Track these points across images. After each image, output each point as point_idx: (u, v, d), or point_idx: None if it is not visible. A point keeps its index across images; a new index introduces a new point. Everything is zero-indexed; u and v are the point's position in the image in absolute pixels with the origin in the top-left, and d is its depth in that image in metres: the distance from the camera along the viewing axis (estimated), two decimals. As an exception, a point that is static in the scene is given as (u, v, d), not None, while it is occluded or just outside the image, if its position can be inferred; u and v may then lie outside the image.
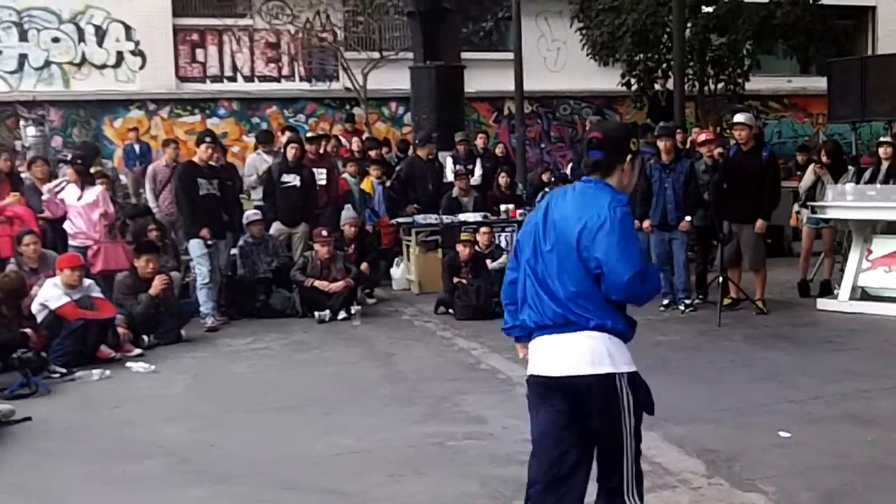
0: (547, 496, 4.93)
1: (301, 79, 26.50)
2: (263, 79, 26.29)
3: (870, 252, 13.21)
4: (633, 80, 23.87)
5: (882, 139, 15.04)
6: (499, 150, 19.36)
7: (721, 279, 12.94)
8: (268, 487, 6.77)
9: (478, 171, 17.68)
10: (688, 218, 13.10)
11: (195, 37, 25.66)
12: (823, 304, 13.34)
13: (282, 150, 15.52)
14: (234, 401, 9.33)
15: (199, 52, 25.78)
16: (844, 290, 13.21)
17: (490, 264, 13.85)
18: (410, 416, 8.52)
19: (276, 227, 14.80)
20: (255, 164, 16.11)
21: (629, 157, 4.93)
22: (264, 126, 23.75)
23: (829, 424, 7.95)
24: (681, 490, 6.49)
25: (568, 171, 20.67)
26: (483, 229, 14.48)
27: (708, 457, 7.11)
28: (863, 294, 13.21)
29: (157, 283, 12.10)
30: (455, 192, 16.39)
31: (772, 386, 9.28)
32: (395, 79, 23.60)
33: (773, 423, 7.90)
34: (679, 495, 6.40)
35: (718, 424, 7.99)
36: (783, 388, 9.18)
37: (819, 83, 27.64)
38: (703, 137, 14.26)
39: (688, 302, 13.27)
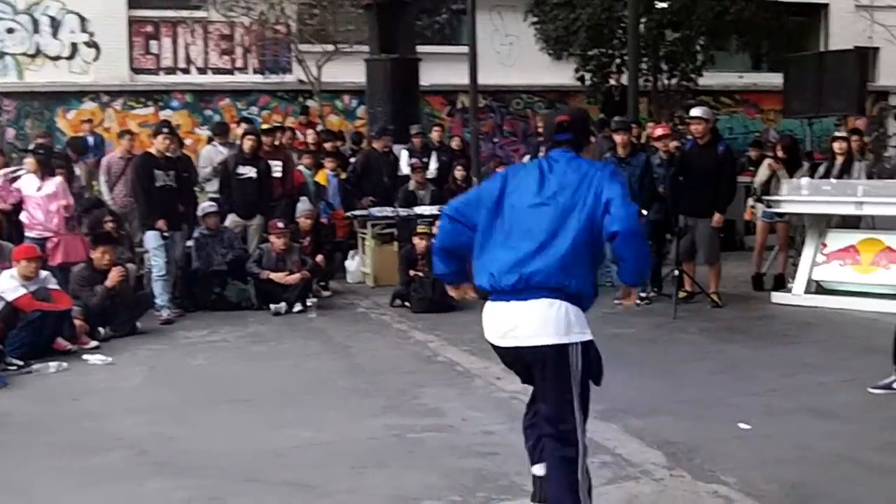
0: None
1: (254, 71, 26.25)
2: (217, 71, 26.04)
3: (824, 246, 13.34)
4: (586, 75, 23.89)
5: (837, 134, 15.20)
6: (455, 144, 19.32)
7: (676, 273, 12.99)
8: (228, 480, 6.71)
9: (433, 164, 17.63)
10: (644, 212, 13.12)
11: (150, 29, 25.41)
12: (778, 297, 13.45)
13: (237, 142, 15.41)
14: (192, 393, 9.28)
15: (154, 44, 25.52)
16: (799, 284, 13.32)
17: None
18: (369, 408, 8.47)
19: (231, 220, 14.70)
20: (210, 155, 16.02)
21: (592, 138, 5.49)
22: (217, 118, 23.58)
23: (788, 417, 8.00)
24: (643, 481, 6.49)
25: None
26: (439, 222, 14.45)
27: (669, 448, 7.12)
28: (817, 288, 13.32)
29: (114, 275, 11.98)
30: (411, 185, 16.36)
31: (729, 378, 9.33)
32: (349, 72, 23.44)
33: (732, 416, 7.93)
34: (642, 486, 6.40)
35: (678, 416, 8.01)
36: (741, 380, 9.23)
37: (770, 79, 27.84)
38: (658, 132, 14.32)
39: (643, 295, 13.28)
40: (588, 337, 5.22)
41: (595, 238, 5.13)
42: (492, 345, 5.42)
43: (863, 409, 8.14)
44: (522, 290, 5.13)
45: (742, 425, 7.69)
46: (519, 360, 5.36)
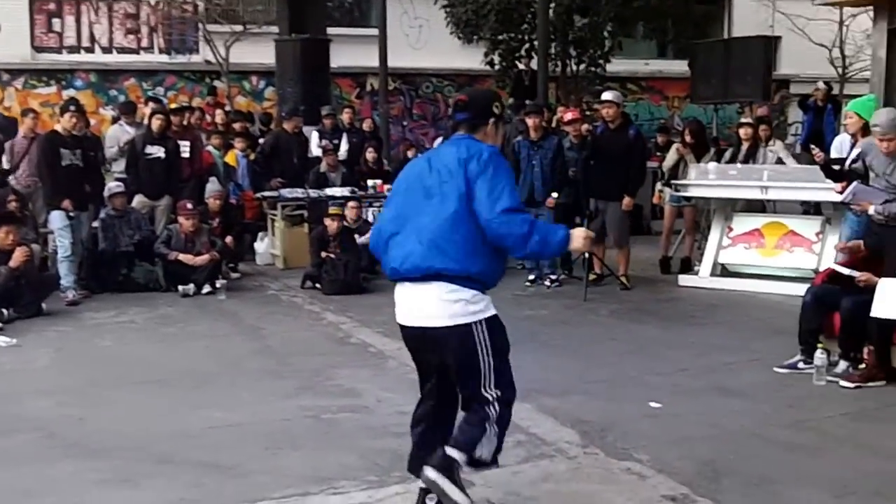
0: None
1: (161, 51, 26.02)
2: (122, 50, 25.76)
3: (730, 230, 13.54)
4: (496, 59, 23.96)
5: (743, 121, 15.42)
6: (366, 126, 19.30)
7: (586, 255, 13.10)
8: (141, 461, 6.65)
9: (344, 145, 17.59)
10: (554, 195, 13.23)
11: (52, 6, 25.05)
12: (684, 280, 13.64)
13: (145, 122, 15.24)
14: (101, 375, 9.15)
15: (56, 22, 25.17)
16: (705, 267, 13.52)
17: (358, 239, 13.81)
18: (283, 389, 8.45)
19: (138, 200, 14.50)
20: (116, 135, 15.77)
21: (492, 120, 5.47)
22: (122, 98, 23.32)
23: (697, 395, 8.14)
24: (558, 459, 6.57)
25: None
26: (351, 204, 14.42)
27: (582, 427, 7.20)
28: (723, 270, 13.53)
29: (18, 255, 11.76)
30: (322, 167, 16.29)
31: (640, 359, 9.46)
32: (257, 53, 23.35)
33: (643, 395, 8.05)
34: (556, 464, 6.47)
35: (590, 396, 8.11)
36: (651, 360, 9.37)
37: (675, 66, 28.18)
38: (569, 116, 14.41)
39: (553, 277, 13.44)
40: (490, 313, 5.38)
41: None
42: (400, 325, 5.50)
43: (770, 388, 8.32)
44: (420, 275, 5.26)
45: (653, 404, 7.82)
46: (424, 341, 5.43)
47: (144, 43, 25.91)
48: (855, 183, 9.55)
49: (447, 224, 5.20)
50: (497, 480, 6.11)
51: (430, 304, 5.28)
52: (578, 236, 5.33)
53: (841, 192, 10.27)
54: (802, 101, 20.06)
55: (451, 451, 5.30)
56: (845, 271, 8.67)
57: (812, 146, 11.00)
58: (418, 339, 5.45)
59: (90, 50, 25.51)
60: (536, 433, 7.10)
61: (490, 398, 5.33)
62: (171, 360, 9.75)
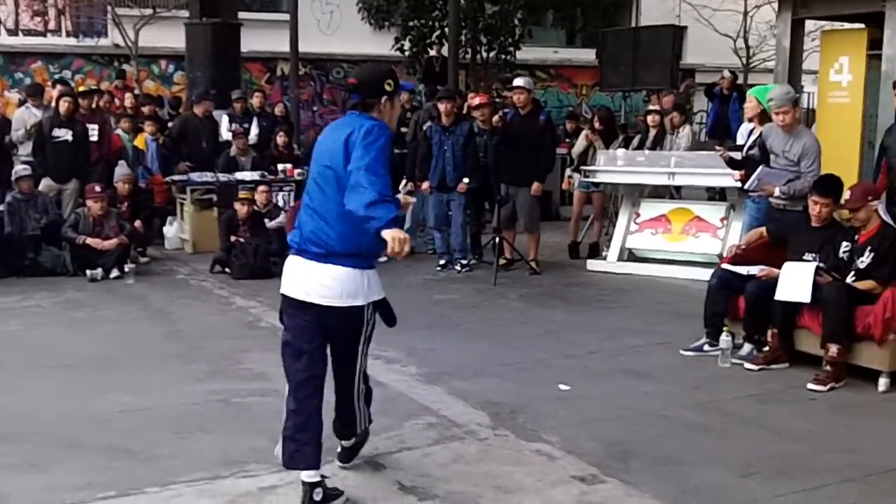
0: (301, 389, 5.70)
1: (68, 34, 25.67)
2: (28, 33, 25.40)
3: (638, 215, 13.68)
4: (406, 45, 23.95)
5: (650, 108, 15.58)
6: (278, 110, 19.20)
7: (497, 240, 13.18)
8: (51, 445, 6.59)
9: (254, 129, 17.46)
10: (465, 180, 13.28)
11: (-45, -12, 24.67)
12: (593, 265, 13.75)
13: (52, 105, 15.05)
14: (8, 359, 9.01)
15: (-40, 5, 24.78)
16: (613, 252, 13.66)
17: (268, 223, 13.75)
18: (192, 373, 8.41)
19: (45, 184, 14.27)
20: (23, 117, 15.50)
21: (384, 97, 5.53)
22: (29, 81, 22.95)
23: (606, 378, 8.25)
24: (468, 441, 6.63)
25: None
26: (261, 188, 14.32)
27: (492, 409, 7.27)
28: (630, 255, 13.68)
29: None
30: (233, 151, 16.18)
31: (549, 342, 9.54)
32: (166, 36, 23.15)
33: (553, 377, 8.14)
34: (467, 446, 6.53)
35: (501, 379, 8.18)
36: (560, 344, 9.45)
37: (584, 55, 28.46)
38: (476, 101, 14.42)
39: (464, 262, 13.49)
40: (380, 296, 5.65)
41: None
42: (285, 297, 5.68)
43: (676, 371, 8.46)
44: (315, 252, 5.46)
45: (563, 386, 7.91)
46: (313, 317, 5.57)
47: (52, 26, 25.54)
48: (760, 167, 9.73)
49: (336, 207, 5.35)
50: (407, 463, 6.21)
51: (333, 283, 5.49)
52: (393, 237, 5.17)
53: (741, 180, 10.47)
54: (708, 89, 20.28)
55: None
56: (741, 270, 8.79)
57: (717, 145, 11.14)
58: None
59: (-5, 32, 25.14)
60: (447, 416, 7.17)
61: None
62: (80, 344, 9.64)
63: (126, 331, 10.23)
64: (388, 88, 5.56)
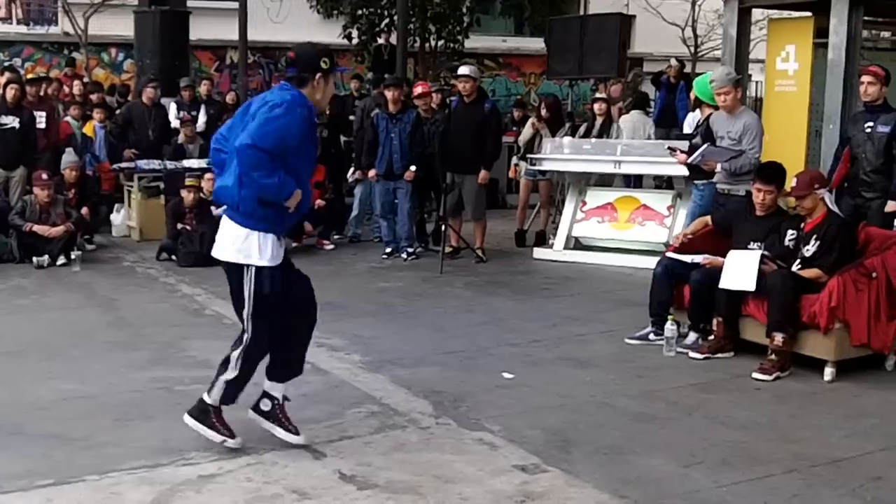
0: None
1: (18, 21, 25.46)
2: None
3: (584, 203, 13.68)
4: (354, 34, 23.89)
5: (597, 96, 15.58)
6: (230, 98, 19.01)
7: (443, 228, 13.14)
8: (-12, 433, 6.52)
9: (202, 117, 17.36)
10: (412, 168, 13.24)
11: None
12: (539, 253, 13.75)
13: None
14: (-50, 346, 8.92)
15: None
16: (559, 240, 13.66)
17: (215, 211, 13.62)
18: (135, 361, 8.32)
19: (-1, 170, 14.23)
20: (-30, 105, 15.38)
21: (318, 74, 5.86)
22: (-21, 69, 22.76)
23: (549, 366, 8.22)
24: (410, 430, 6.58)
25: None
26: (208, 175, 14.14)
27: (435, 398, 7.23)
28: (576, 244, 13.69)
29: None
30: (180, 138, 16.08)
31: (493, 330, 9.51)
32: (116, 24, 22.98)
33: (496, 366, 8.12)
34: (409, 434, 6.49)
35: (444, 367, 8.15)
36: (504, 332, 9.42)
37: (532, 43, 28.47)
38: (419, 90, 14.37)
39: (410, 250, 13.45)
40: (262, 263, 5.94)
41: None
42: None
43: (620, 359, 8.44)
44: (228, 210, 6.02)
45: (506, 375, 7.89)
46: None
47: (2, 13, 25.31)
48: (705, 145, 9.76)
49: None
50: (348, 451, 6.16)
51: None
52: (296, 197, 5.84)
53: (686, 164, 10.47)
54: (655, 77, 20.34)
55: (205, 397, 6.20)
56: (686, 258, 8.79)
57: (671, 148, 11.11)
58: None
59: (-55, 19, 24.93)
60: (389, 404, 7.12)
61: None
62: (23, 331, 9.54)
63: (70, 318, 10.14)
64: (323, 66, 5.87)
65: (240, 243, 5.90)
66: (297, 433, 6.18)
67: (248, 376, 6.19)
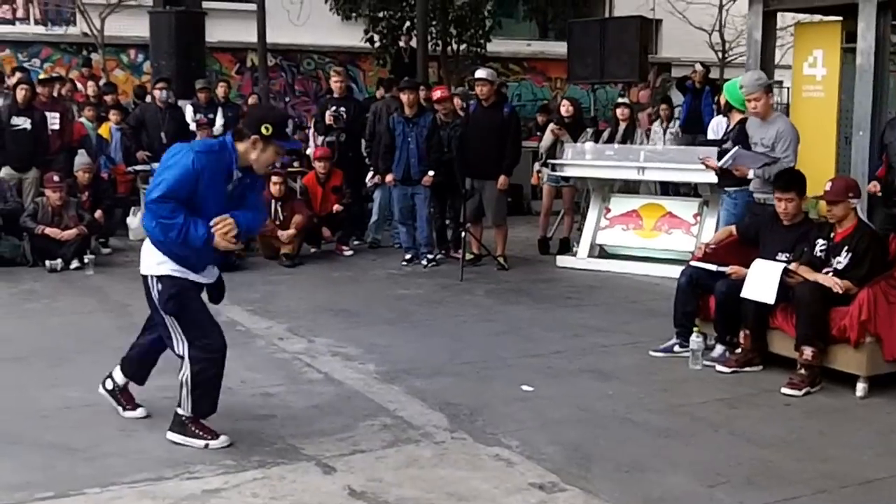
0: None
1: (36, 22, 25.44)
2: None
3: (608, 210, 13.45)
4: (376, 37, 23.76)
5: (620, 101, 15.35)
6: (252, 101, 18.83)
7: (463, 235, 12.92)
8: (-10, 441, 6.33)
9: (219, 120, 17.18)
10: (430, 173, 13.05)
11: (-78, -26, 24.42)
12: (563, 261, 13.51)
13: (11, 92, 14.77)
14: (-43, 352, 8.75)
15: (-73, -8, 24.54)
16: (583, 248, 13.42)
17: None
18: (144, 368, 8.14)
19: (5, 172, 14.11)
20: (-18, 105, 15.27)
21: (256, 136, 6.02)
22: (-3, 70, 22.73)
23: (570, 378, 7.97)
24: (424, 444, 6.34)
25: (311, 126, 20.34)
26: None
27: (450, 410, 7.00)
28: (601, 252, 13.45)
29: None
30: (196, 141, 15.90)
31: (513, 340, 9.26)
32: (134, 25, 22.89)
33: (515, 378, 7.87)
34: (422, 449, 6.24)
35: (461, 378, 7.91)
36: (525, 342, 9.17)
37: (557, 47, 28.20)
38: (437, 95, 14.17)
39: (430, 257, 13.24)
40: (161, 272, 6.20)
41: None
42: None
43: (644, 372, 8.17)
44: None
45: (525, 387, 7.63)
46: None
47: (20, 14, 25.30)
48: (736, 148, 9.47)
49: None
50: (360, 466, 5.93)
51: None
52: (220, 236, 6.05)
53: (717, 170, 10.21)
54: (680, 82, 20.07)
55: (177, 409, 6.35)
56: (711, 267, 8.52)
57: (706, 162, 10.83)
58: None
59: (-37, 20, 24.92)
60: (403, 416, 6.89)
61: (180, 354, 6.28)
62: (32, 337, 9.38)
63: (81, 323, 10.00)
64: (263, 132, 6.01)
65: (144, 258, 6.31)
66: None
67: (212, 383, 6.41)
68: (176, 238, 5.96)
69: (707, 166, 10.62)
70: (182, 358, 6.22)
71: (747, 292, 7.97)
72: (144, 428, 6.64)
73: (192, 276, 6.25)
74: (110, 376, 6.93)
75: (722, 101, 10.91)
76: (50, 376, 7.94)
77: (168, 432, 6.28)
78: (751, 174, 9.33)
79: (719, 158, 9.94)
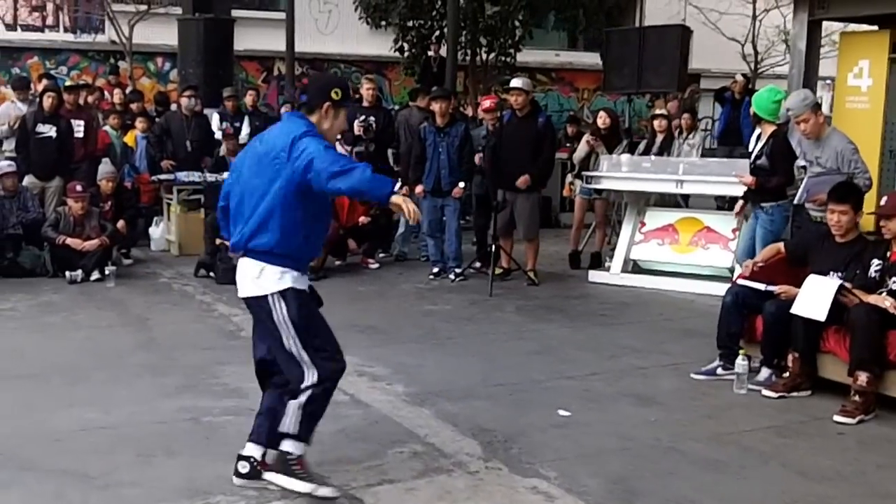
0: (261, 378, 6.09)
1: (65, 29, 25.43)
2: (26, 28, 25.22)
3: (643, 224, 13.10)
4: (405, 46, 23.56)
5: (657, 112, 15.04)
6: (285, 110, 18.51)
7: (492, 248, 12.57)
8: (0, 468, 6.02)
9: (245, 129, 16.96)
10: (461, 184, 12.72)
11: (-46, -17, 24.42)
12: (595, 276, 13.15)
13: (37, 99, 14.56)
14: (-31, 369, 8.46)
15: (-42, 0, 24.53)
16: (616, 263, 13.06)
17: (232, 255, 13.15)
18: (164, 387, 7.83)
19: (28, 180, 13.89)
20: (8, 112, 14.99)
21: (327, 103, 5.64)
22: (26, 77, 22.63)
23: (609, 403, 7.60)
24: (457, 475, 5.98)
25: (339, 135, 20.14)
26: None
27: (484, 437, 6.64)
28: (634, 267, 13.09)
29: None
30: (222, 151, 15.67)
31: (547, 361, 8.91)
32: (162, 33, 22.79)
33: (551, 401, 7.52)
34: (455, 480, 5.89)
35: (494, 401, 7.56)
36: (559, 363, 8.82)
37: (585, 58, 28.09)
38: (487, 104, 13.84)
39: (458, 271, 12.91)
40: (284, 286, 5.58)
41: (295, 199, 5.50)
42: None
43: (686, 396, 7.81)
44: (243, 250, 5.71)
45: (562, 412, 7.27)
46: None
47: (49, 21, 25.31)
48: (806, 178, 9.08)
49: (263, 203, 5.52)
50: (388, 498, 5.62)
51: (243, 277, 5.73)
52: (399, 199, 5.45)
53: (751, 185, 9.83)
54: (719, 93, 19.70)
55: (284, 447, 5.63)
56: (759, 286, 8.14)
57: (741, 179, 10.48)
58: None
59: (-6, 27, 24.97)
60: (434, 443, 6.54)
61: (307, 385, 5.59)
62: (49, 352, 9.09)
63: (99, 338, 9.69)
64: (334, 96, 5.67)
65: (253, 277, 5.67)
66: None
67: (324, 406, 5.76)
68: (373, 181, 5.34)
69: (743, 183, 10.25)
70: (304, 386, 5.57)
71: (799, 308, 7.59)
72: (163, 453, 6.33)
73: (303, 285, 5.73)
74: (243, 459, 5.79)
75: (751, 113, 10.52)
76: (65, 395, 7.64)
77: (266, 473, 5.64)
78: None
79: (752, 173, 9.57)
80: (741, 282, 8.38)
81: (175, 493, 5.64)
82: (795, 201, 9.45)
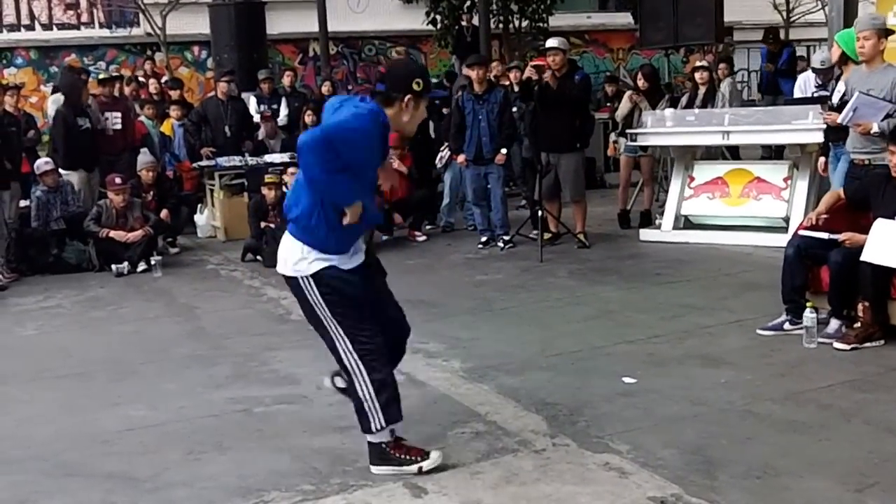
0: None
1: (101, 25, 25.60)
2: (62, 26, 25.51)
3: (692, 179, 12.76)
4: (438, 18, 23.43)
5: (698, 64, 14.69)
6: (325, 89, 18.24)
7: (540, 213, 12.27)
8: (46, 475, 5.79)
9: (283, 110, 16.90)
10: (503, 150, 12.44)
11: (-10, -15, 24.64)
12: (646, 234, 12.87)
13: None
14: (16, 368, 8.31)
15: (-5, 1, 24.81)
16: (668, 220, 12.74)
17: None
18: (213, 378, 7.60)
19: (77, 176, 13.95)
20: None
21: (409, 95, 5.30)
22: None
23: (675, 367, 7.27)
24: (523, 454, 5.66)
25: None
26: (290, 170, 13.49)
27: (548, 411, 6.33)
28: (686, 223, 12.75)
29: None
30: (261, 134, 15.58)
31: (606, 325, 8.61)
32: (195, 22, 22.79)
33: (614, 368, 7.20)
34: (521, 460, 5.56)
35: (555, 372, 7.24)
36: (618, 326, 8.51)
37: (617, 18, 28.00)
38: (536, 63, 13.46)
39: (507, 238, 12.63)
40: (314, 269, 5.36)
41: None
42: None
43: (756, 355, 7.45)
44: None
45: (627, 379, 6.95)
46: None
47: (84, 18, 25.51)
48: (856, 94, 8.58)
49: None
50: (452, 484, 5.30)
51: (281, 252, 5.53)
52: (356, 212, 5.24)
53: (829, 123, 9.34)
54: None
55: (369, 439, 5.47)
56: (822, 235, 7.79)
57: (825, 112, 9.99)
58: None
59: (30, 27, 25.30)
60: (496, 421, 6.23)
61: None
62: (95, 348, 8.91)
63: (146, 330, 9.52)
64: (415, 88, 5.33)
65: (289, 257, 5.46)
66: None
67: (388, 382, 5.47)
68: (338, 189, 5.20)
69: (828, 123, 9.72)
70: (350, 371, 5.39)
71: (868, 255, 7.26)
72: (213, 448, 6.08)
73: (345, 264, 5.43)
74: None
75: (834, 55, 9.95)
76: (112, 393, 7.41)
77: (371, 467, 5.45)
78: (874, 128, 8.42)
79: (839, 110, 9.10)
80: (803, 232, 8.02)
81: (227, 492, 5.38)
82: (839, 120, 8.87)
